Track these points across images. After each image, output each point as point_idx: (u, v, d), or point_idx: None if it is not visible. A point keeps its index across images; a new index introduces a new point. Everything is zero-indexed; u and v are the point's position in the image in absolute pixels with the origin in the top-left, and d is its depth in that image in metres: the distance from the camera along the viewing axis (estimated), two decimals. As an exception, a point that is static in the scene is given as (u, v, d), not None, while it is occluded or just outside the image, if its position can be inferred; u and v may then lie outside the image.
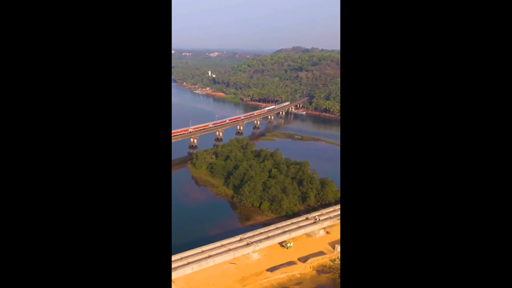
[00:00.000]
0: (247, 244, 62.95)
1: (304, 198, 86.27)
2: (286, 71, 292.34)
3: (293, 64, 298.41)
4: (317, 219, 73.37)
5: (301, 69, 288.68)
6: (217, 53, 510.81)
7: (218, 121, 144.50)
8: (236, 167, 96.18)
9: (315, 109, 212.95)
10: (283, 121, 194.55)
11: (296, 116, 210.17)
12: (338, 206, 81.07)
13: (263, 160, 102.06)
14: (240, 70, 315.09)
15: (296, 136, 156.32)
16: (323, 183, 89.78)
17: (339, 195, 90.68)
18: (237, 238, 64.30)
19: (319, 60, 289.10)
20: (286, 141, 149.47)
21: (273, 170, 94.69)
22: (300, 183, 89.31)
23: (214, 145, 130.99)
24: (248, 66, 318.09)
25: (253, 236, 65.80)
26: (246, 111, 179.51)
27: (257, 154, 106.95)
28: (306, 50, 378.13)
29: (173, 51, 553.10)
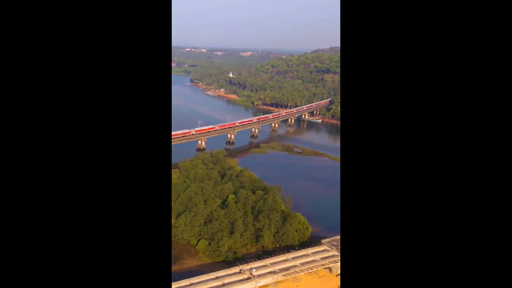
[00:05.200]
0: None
1: (258, 237, 67.76)
2: (311, 72, 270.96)
3: (320, 66, 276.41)
4: (252, 274, 54.85)
5: (328, 71, 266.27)
6: (250, 53, 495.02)
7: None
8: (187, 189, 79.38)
9: (333, 116, 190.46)
10: (292, 129, 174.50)
11: (310, 124, 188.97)
12: (298, 253, 62.28)
13: (228, 181, 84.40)
14: (262, 71, 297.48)
15: (295, 149, 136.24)
16: (285, 217, 70.53)
17: (307, 234, 71.42)
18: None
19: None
20: (281, 154, 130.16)
21: (230, 196, 76.84)
22: (256, 216, 70.82)
23: (195, 156, 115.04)
24: (272, 67, 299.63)
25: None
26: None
27: (225, 173, 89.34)
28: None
29: (204, 50, 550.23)
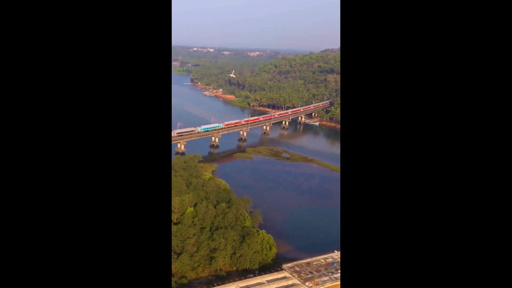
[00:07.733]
0: None
1: (212, 259, 59.30)
2: (314, 72, 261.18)
3: (324, 66, 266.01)
4: (187, 309, 46.47)
5: (332, 71, 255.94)
6: (257, 53, 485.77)
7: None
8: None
9: (331, 119, 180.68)
10: (286, 132, 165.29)
11: (307, 127, 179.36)
12: (250, 282, 53.76)
13: (192, 190, 76.16)
14: (265, 71, 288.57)
15: (283, 155, 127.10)
16: (245, 236, 61.91)
17: (271, 255, 62.78)
18: None
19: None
20: (267, 160, 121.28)
21: (188, 209, 68.60)
22: (211, 235, 62.38)
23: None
24: (275, 66, 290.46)
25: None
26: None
27: (191, 182, 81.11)
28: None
29: (211, 50, 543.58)
